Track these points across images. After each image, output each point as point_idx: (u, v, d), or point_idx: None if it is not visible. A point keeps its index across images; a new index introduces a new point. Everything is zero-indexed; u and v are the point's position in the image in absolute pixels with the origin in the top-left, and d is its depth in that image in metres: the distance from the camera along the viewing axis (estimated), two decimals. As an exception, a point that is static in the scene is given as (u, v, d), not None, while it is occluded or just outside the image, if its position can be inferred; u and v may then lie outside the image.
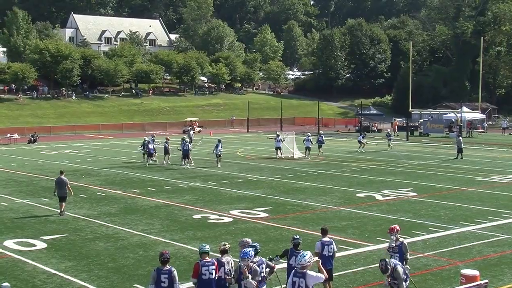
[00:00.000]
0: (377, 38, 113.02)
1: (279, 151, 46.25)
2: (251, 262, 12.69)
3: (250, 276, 12.46)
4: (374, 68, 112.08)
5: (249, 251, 12.65)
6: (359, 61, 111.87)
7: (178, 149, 43.32)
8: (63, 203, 25.72)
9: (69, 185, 26.16)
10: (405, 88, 78.80)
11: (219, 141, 42.09)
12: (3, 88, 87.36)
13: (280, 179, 35.62)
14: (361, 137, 52.46)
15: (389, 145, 53.75)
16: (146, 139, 43.97)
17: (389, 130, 53.49)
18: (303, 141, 47.46)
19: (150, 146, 42.92)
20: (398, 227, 15.08)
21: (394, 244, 14.72)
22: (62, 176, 26.14)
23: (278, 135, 47.11)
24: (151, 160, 42.72)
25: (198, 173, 38.63)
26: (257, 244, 13.41)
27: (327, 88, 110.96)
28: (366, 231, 22.10)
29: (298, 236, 14.12)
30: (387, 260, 13.00)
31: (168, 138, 46.48)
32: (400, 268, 12.94)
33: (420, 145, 59.22)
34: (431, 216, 24.95)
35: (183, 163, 41.24)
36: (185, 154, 40.98)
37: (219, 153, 41.56)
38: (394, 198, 29.21)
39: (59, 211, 25.62)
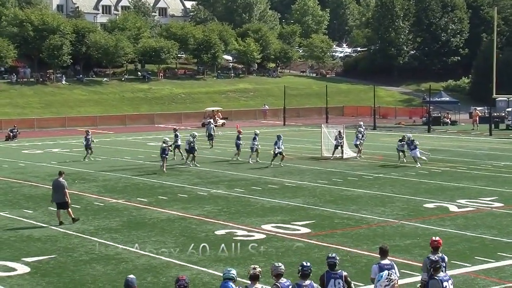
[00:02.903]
0: (451, 4, 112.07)
1: (340, 148, 46.11)
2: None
3: None
4: (447, 42, 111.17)
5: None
6: (427, 33, 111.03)
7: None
8: (69, 210, 26.45)
9: (66, 190, 26.70)
10: (487, 68, 77.97)
11: (279, 137, 42.83)
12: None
13: (326, 185, 35.55)
14: (400, 144, 44.37)
15: (399, 157, 44.43)
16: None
17: (409, 135, 45.24)
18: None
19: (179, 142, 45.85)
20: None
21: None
22: (60, 178, 26.63)
23: (340, 133, 46.66)
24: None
25: (222, 177, 38.72)
26: (309, 264, 13.60)
27: (386, 68, 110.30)
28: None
29: (334, 255, 14.39)
30: None
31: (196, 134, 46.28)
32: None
33: (507, 142, 58.63)
34: (522, 233, 24.73)
35: (187, 161, 43.30)
36: (190, 151, 43.08)
37: (280, 151, 42.51)
38: (474, 210, 28.97)
39: (46, 225, 25.93)
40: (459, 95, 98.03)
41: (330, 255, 14.33)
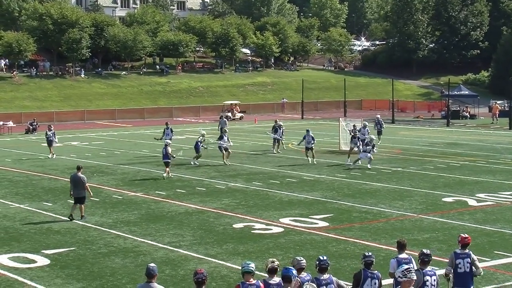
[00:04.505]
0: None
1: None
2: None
3: None
4: (467, 36, 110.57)
5: (291, 271, 12.82)
6: (447, 27, 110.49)
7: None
8: (82, 205, 26.44)
9: (87, 184, 26.79)
10: (507, 61, 77.68)
11: (370, 139, 40.78)
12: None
13: (344, 179, 35.55)
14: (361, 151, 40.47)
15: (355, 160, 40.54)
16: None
17: (371, 137, 41.94)
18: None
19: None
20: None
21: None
22: (79, 173, 26.70)
23: (354, 127, 46.51)
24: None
25: (240, 170, 38.78)
26: (326, 258, 13.61)
27: (405, 62, 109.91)
28: (455, 246, 21.84)
29: (370, 253, 14.21)
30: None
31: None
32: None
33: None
34: (541, 228, 24.63)
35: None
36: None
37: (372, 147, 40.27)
38: (493, 204, 28.89)
39: (67, 218, 26.08)
40: (478, 88, 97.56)
41: (366, 253, 14.17)
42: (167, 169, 36.28)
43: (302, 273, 13.35)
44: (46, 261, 20.81)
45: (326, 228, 24.74)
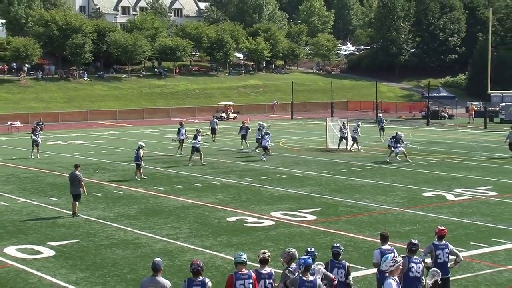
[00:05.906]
0: (449, 5, 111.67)
1: (344, 141, 45.90)
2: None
3: None
4: (445, 41, 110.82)
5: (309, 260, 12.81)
6: (427, 33, 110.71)
7: (173, 140, 46.16)
8: (76, 203, 26.15)
9: (83, 182, 26.47)
10: (483, 66, 77.67)
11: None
12: (3, 67, 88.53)
13: (331, 175, 35.54)
14: (390, 140, 41.68)
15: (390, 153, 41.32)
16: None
17: (403, 135, 41.72)
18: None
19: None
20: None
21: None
22: (77, 172, 26.48)
23: (344, 124, 46.56)
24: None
25: (233, 167, 38.77)
26: (313, 249, 13.75)
27: (387, 66, 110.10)
28: (434, 237, 21.91)
29: (338, 244, 14.43)
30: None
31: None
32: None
33: (501, 135, 58.41)
34: (514, 220, 24.67)
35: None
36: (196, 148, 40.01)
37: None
38: (469, 199, 28.94)
39: (71, 212, 26.03)
40: (456, 90, 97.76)
41: (334, 244, 14.38)
42: (138, 171, 35.05)
43: (292, 264, 13.39)
44: (52, 253, 20.78)
45: (314, 221, 24.75)
